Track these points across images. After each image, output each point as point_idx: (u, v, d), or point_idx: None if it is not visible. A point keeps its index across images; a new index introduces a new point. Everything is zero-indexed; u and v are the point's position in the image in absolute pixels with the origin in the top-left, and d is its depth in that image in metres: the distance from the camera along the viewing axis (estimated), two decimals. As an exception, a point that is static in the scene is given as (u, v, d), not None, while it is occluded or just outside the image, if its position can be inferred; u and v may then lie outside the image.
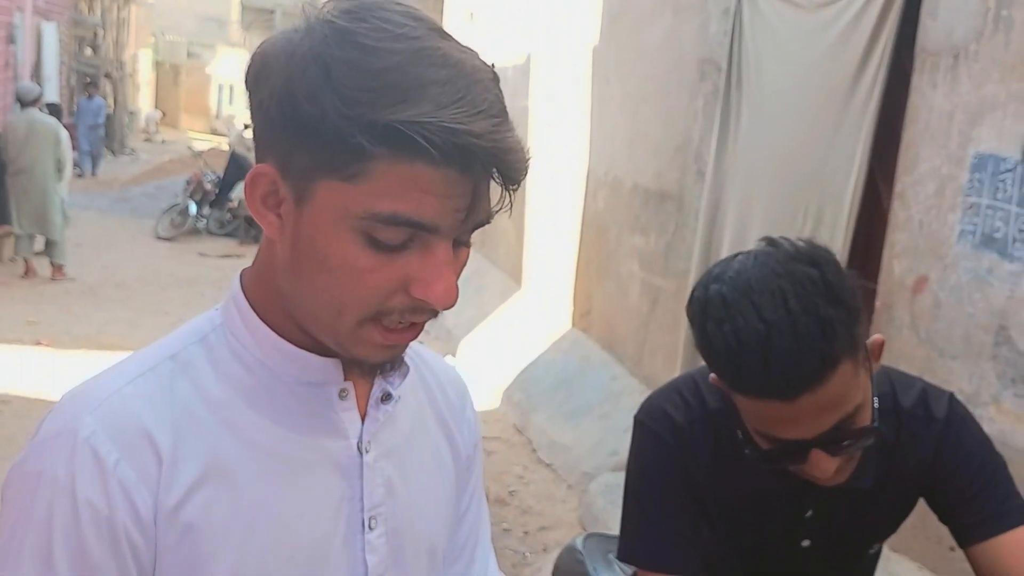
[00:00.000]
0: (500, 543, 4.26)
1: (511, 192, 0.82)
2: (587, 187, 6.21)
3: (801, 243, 1.27)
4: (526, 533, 4.35)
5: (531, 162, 0.82)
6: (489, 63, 0.82)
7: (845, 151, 3.49)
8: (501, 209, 0.82)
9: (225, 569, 0.84)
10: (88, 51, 19.44)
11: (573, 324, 6.28)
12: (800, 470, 1.30)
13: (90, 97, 17.44)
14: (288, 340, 0.89)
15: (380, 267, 0.79)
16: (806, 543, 1.46)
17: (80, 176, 14.92)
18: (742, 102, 4.20)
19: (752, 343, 1.18)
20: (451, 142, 0.74)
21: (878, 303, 3.38)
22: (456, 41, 0.82)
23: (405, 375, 0.95)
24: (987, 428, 2.82)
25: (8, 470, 0.86)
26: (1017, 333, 2.78)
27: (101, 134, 17.83)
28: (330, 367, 0.90)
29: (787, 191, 3.80)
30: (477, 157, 0.76)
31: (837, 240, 3.50)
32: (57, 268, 8.91)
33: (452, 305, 0.81)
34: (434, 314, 0.83)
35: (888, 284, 3.34)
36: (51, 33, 14.13)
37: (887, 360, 3.34)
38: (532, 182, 7.30)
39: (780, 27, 3.95)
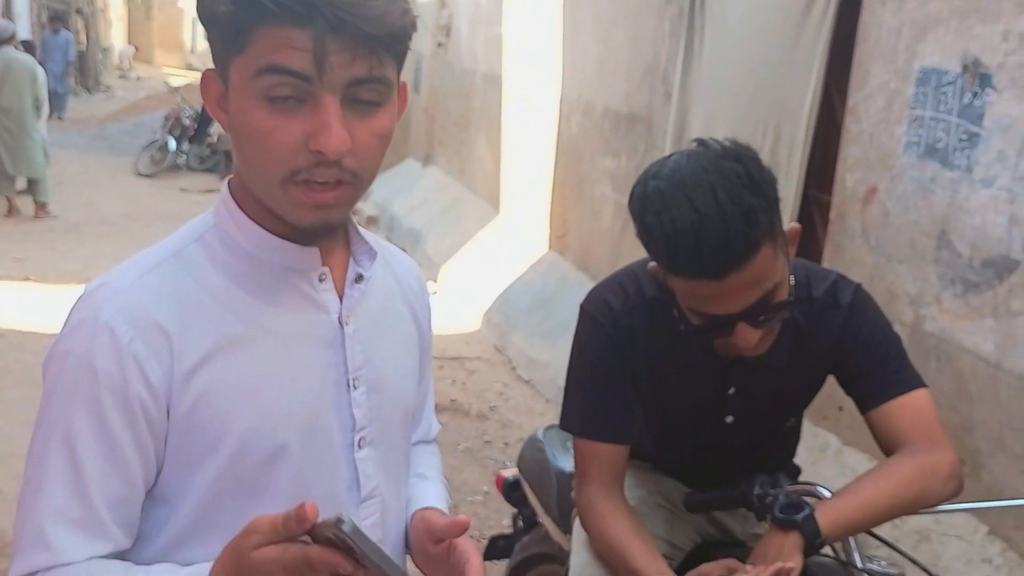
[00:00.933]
0: (482, 454, 4.49)
1: (387, 51, 0.95)
2: (560, 112, 6.32)
3: (727, 142, 1.45)
4: (506, 444, 4.58)
5: (407, 23, 0.96)
6: None
7: (802, 69, 3.63)
8: (379, 68, 0.95)
9: (240, 426, 1.02)
10: (58, -13, 19.10)
11: (550, 247, 6.45)
12: (727, 343, 1.48)
13: (55, 32, 16.24)
14: (271, 232, 1.06)
15: (280, 127, 0.95)
16: (729, 419, 1.66)
17: (58, 118, 14.35)
18: (705, 25, 4.32)
19: (686, 230, 1.36)
20: None
21: (832, 214, 3.56)
22: None
23: (373, 258, 1.14)
24: (928, 327, 3.04)
25: (46, 353, 1.04)
26: (956, 237, 2.97)
27: (69, 71, 16.64)
28: (308, 254, 1.07)
29: (748, 110, 3.95)
30: (315, 6, 0.89)
31: (795, 155, 3.67)
32: (40, 206, 8.97)
33: (342, 151, 0.94)
34: (339, 169, 0.96)
35: (841, 196, 3.51)
36: (19, -31, 13.92)
37: (841, 266, 3.54)
38: (507, 109, 7.40)
39: (740, -51, 4.06)
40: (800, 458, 3.40)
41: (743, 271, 1.38)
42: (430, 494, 1.27)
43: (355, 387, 1.10)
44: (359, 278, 1.12)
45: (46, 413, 1.00)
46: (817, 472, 3.34)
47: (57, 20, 16.68)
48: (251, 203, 1.05)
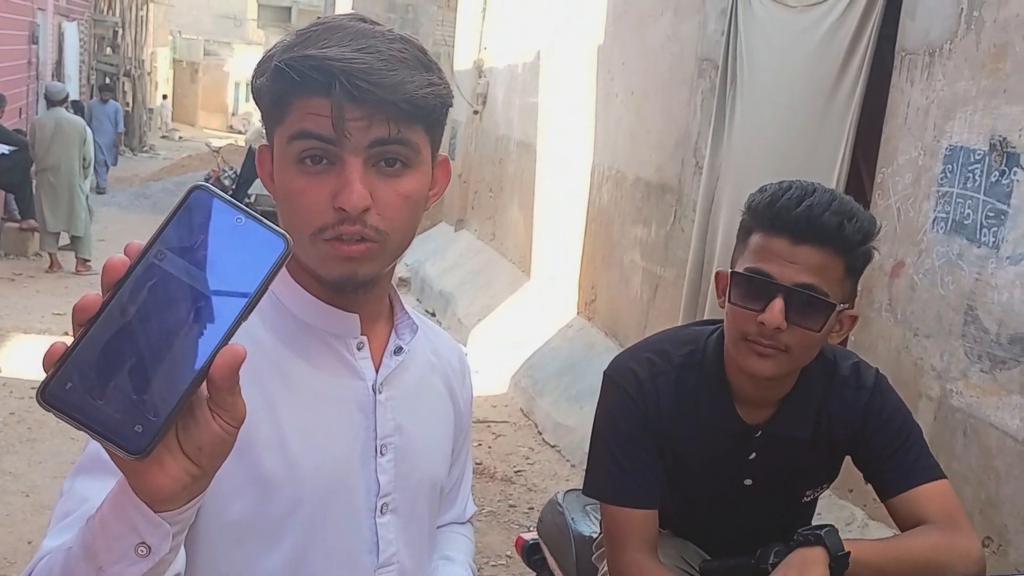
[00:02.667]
0: (506, 518, 4.49)
1: (410, 119, 1.02)
2: (592, 181, 6.42)
3: None
4: (531, 508, 4.57)
5: (430, 94, 1.03)
6: (415, 41, 1.06)
7: (831, 144, 3.69)
8: (398, 131, 1.01)
9: (266, 475, 1.05)
10: (108, 50, 19.73)
11: (578, 312, 6.49)
12: (752, 323, 1.51)
13: (104, 101, 15.44)
14: (316, 296, 1.12)
15: (310, 188, 1.03)
16: (748, 482, 1.68)
17: (97, 191, 13.54)
18: (736, 98, 4.40)
19: (798, 190, 1.49)
20: (309, 65, 0.99)
21: (860, 287, 3.57)
22: (385, 27, 1.06)
23: (414, 332, 1.20)
24: (955, 401, 3.04)
25: None
26: (983, 313, 2.98)
27: (118, 141, 15.99)
28: (348, 320, 1.13)
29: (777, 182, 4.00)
30: (334, 75, 0.98)
31: (823, 228, 3.70)
32: (82, 262, 9.17)
33: (360, 207, 1.00)
34: (363, 226, 1.02)
35: (868, 269, 3.52)
36: (72, 32, 14.43)
37: (868, 340, 3.54)
38: (540, 176, 7.51)
39: (771, 26, 4.15)
40: (826, 531, 3.38)
41: (817, 251, 1.46)
42: None
43: (383, 453, 1.14)
44: (398, 350, 1.17)
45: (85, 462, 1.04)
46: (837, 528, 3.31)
47: (107, 90, 16.11)
48: (299, 269, 1.11)
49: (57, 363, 0.66)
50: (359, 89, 0.98)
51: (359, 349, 1.14)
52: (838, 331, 1.56)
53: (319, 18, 1.09)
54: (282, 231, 0.72)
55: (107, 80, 17.85)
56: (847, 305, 1.54)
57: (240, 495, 1.04)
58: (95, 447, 0.97)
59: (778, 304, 1.48)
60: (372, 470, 1.13)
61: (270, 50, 1.06)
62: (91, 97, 16.05)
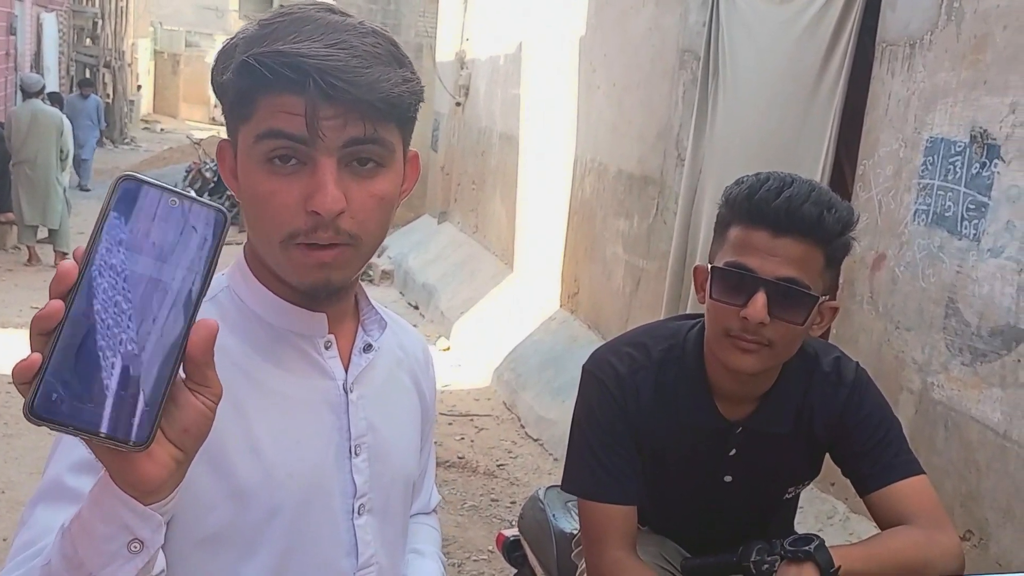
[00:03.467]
0: (488, 512, 4.47)
1: (384, 117, 0.98)
2: (574, 173, 6.39)
3: None
4: (513, 503, 4.55)
5: (405, 91, 0.99)
6: (386, 33, 1.02)
7: (814, 135, 3.68)
8: (373, 130, 0.97)
9: (241, 484, 1.02)
10: (88, 41, 19.55)
11: (561, 305, 6.48)
12: (734, 318, 1.49)
13: (84, 96, 14.62)
14: (281, 297, 1.08)
15: (280, 190, 0.98)
16: (728, 478, 1.67)
17: (81, 188, 13.30)
18: (718, 90, 4.39)
19: (777, 181, 1.47)
20: (280, 62, 0.94)
21: (841, 279, 3.57)
22: (356, 19, 1.02)
23: (383, 328, 1.17)
24: (936, 394, 3.03)
25: None
26: (964, 306, 2.97)
27: (94, 142, 14.78)
28: (315, 320, 1.10)
29: (759, 175, 3.99)
30: (308, 73, 0.93)
31: (804, 221, 3.69)
32: (60, 255, 9.07)
33: (335, 210, 0.96)
34: (335, 232, 0.98)
35: (850, 261, 3.52)
36: (51, 23, 14.29)
37: (849, 333, 3.54)
38: (523, 168, 7.49)
39: (752, 18, 4.14)
40: (807, 524, 3.39)
41: (797, 243, 1.44)
42: (425, 573, 1.27)
43: (357, 454, 1.11)
44: (367, 347, 1.15)
45: (54, 458, 1.01)
46: (825, 539, 3.31)
47: (87, 85, 15.27)
48: (261, 268, 1.08)
49: (35, 376, 0.67)
50: (334, 88, 0.94)
51: (327, 348, 1.11)
52: (819, 323, 1.55)
53: (282, 7, 1.05)
54: (217, 205, 0.74)
55: (87, 73, 17.59)
56: (828, 296, 1.53)
57: (215, 506, 1.02)
58: (55, 473, 0.95)
59: (760, 298, 1.46)
60: (347, 471, 1.11)
61: (231, 41, 1.02)
62: (70, 91, 15.76)
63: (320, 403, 1.10)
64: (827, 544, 1.50)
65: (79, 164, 13.43)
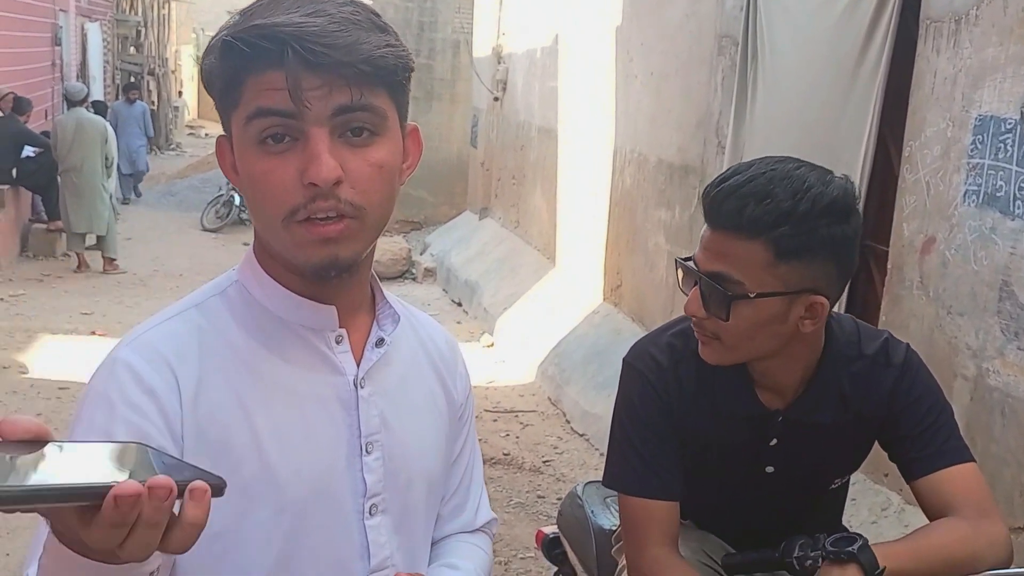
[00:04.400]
0: (535, 509, 4.44)
1: (371, 81, 0.95)
2: (614, 165, 6.33)
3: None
4: (559, 499, 4.51)
5: (390, 54, 0.96)
6: (366, 4, 0.99)
7: (856, 117, 3.58)
8: (360, 96, 0.94)
9: (247, 480, 1.00)
10: (132, 49, 19.84)
11: (604, 298, 6.42)
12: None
13: (131, 101, 14.17)
14: (291, 290, 1.05)
15: (275, 168, 0.96)
16: (770, 469, 1.61)
17: (125, 202, 12.90)
18: (757, 75, 4.30)
19: (732, 171, 1.43)
20: (257, 34, 0.92)
21: (889, 264, 3.48)
22: None
23: (396, 322, 1.13)
24: (992, 381, 2.94)
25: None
26: (1019, 288, 2.87)
27: (145, 152, 14.07)
28: (325, 313, 1.06)
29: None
30: (285, 42, 0.91)
31: (850, 205, 3.60)
32: (108, 261, 9.22)
33: (331, 179, 0.94)
34: (337, 201, 0.95)
35: (898, 246, 3.43)
36: (95, 33, 14.51)
37: (900, 319, 3.45)
38: (563, 162, 7.43)
39: (791, 0, 4.04)
40: (860, 517, 3.31)
41: (725, 237, 1.41)
42: None
43: (368, 452, 1.08)
44: (380, 342, 1.11)
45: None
46: (879, 532, 3.22)
47: (132, 89, 14.81)
48: (270, 261, 1.06)
49: None
50: (313, 53, 0.91)
51: (338, 343, 1.08)
52: (812, 319, 1.45)
53: None
54: None
55: (131, 79, 17.76)
56: (804, 292, 1.42)
57: (220, 503, 0.99)
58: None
59: (694, 292, 1.47)
60: (358, 470, 1.07)
61: (216, 35, 1.00)
62: (116, 99, 15.90)
63: (330, 399, 1.07)
64: (872, 543, 1.44)
65: (126, 178, 13.15)
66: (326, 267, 0.99)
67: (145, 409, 0.98)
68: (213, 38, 0.99)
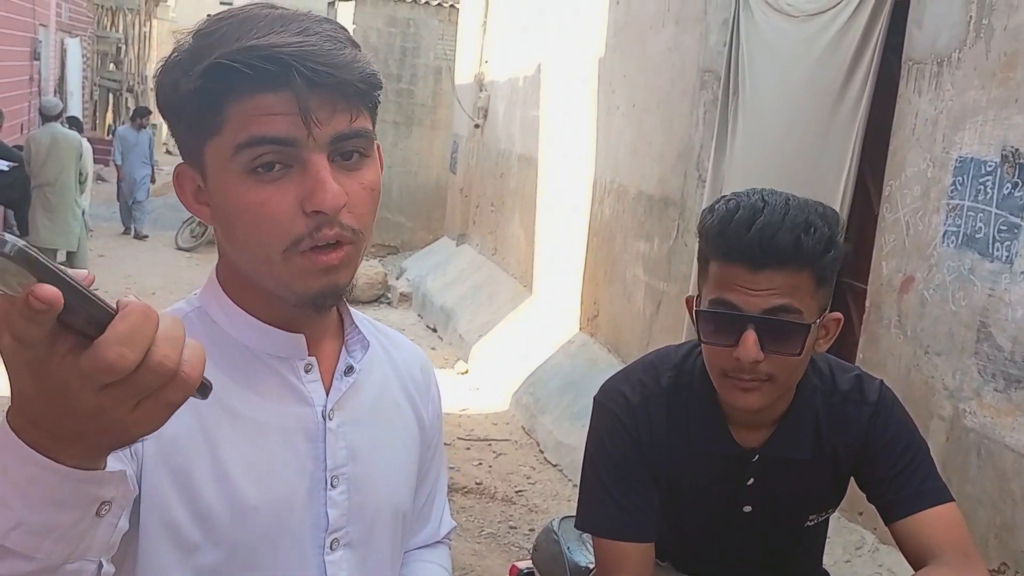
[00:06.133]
0: (506, 539, 4.38)
1: (363, 101, 0.93)
2: (594, 195, 6.33)
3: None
4: (531, 530, 4.46)
5: (375, 72, 0.94)
6: (334, 20, 0.96)
7: (836, 156, 3.60)
8: (356, 119, 0.92)
9: (204, 514, 0.96)
10: (111, 66, 19.76)
11: (580, 328, 6.40)
12: (728, 359, 1.41)
13: (140, 128, 12.34)
14: (257, 318, 1.01)
15: (271, 197, 0.91)
16: (747, 508, 1.58)
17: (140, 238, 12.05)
18: (739, 110, 4.32)
19: (747, 210, 1.37)
20: (256, 56, 0.87)
21: (868, 303, 3.48)
22: (297, 10, 0.95)
23: (366, 348, 1.09)
24: (968, 421, 2.93)
25: None
26: (997, 330, 2.87)
27: (147, 183, 12.31)
28: (293, 341, 1.02)
29: (782, 196, 3.91)
30: (290, 65, 0.87)
31: (829, 242, 3.61)
32: (79, 278, 9.08)
33: (339, 205, 0.91)
34: (340, 228, 0.92)
35: (877, 284, 3.44)
36: (75, 48, 14.43)
37: (877, 357, 3.44)
38: (542, 190, 7.43)
39: (773, 37, 4.07)
40: (834, 556, 3.28)
41: (779, 273, 1.36)
42: None
43: (333, 486, 1.04)
44: (349, 370, 1.07)
45: None
46: (853, 571, 3.20)
47: (143, 115, 12.57)
48: (237, 288, 1.02)
49: None
50: (317, 74, 0.88)
51: (307, 372, 1.04)
52: (825, 336, 1.47)
53: (209, 16, 0.97)
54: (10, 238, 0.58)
55: (109, 98, 17.64)
56: (825, 312, 1.44)
57: (183, 530, 0.95)
58: None
59: (751, 336, 1.38)
60: (321, 504, 1.03)
61: (173, 56, 0.94)
62: (94, 113, 15.69)
63: (295, 431, 1.02)
64: None
65: (129, 210, 12.16)
66: (325, 296, 0.96)
67: None
68: (175, 64, 0.93)
